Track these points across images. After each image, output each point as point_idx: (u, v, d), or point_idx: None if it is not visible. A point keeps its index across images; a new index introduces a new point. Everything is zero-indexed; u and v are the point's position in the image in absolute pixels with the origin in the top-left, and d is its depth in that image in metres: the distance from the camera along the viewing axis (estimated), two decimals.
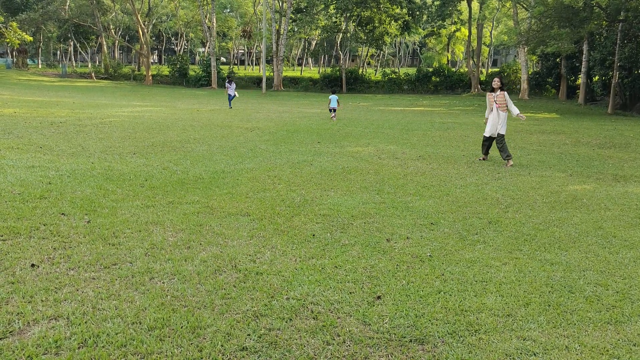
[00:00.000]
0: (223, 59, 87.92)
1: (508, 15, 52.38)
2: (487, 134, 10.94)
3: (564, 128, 19.12)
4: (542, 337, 3.59)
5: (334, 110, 20.29)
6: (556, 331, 3.68)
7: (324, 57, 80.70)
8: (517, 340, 3.53)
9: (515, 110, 10.67)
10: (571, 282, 4.56)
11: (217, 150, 11.32)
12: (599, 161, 11.66)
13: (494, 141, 10.87)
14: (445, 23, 51.74)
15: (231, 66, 62.75)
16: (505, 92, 10.80)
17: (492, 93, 10.89)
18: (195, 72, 54.06)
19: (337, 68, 52.33)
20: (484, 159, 11.12)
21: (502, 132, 10.77)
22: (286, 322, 3.66)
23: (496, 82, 10.86)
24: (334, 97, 20.45)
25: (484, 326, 3.70)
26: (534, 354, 3.37)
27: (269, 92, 45.48)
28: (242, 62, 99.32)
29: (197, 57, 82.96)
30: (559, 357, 3.36)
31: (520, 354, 3.37)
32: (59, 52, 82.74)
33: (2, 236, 5.11)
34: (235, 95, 26.01)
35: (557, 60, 39.21)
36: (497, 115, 10.77)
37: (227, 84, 26.34)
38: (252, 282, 4.31)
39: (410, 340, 3.49)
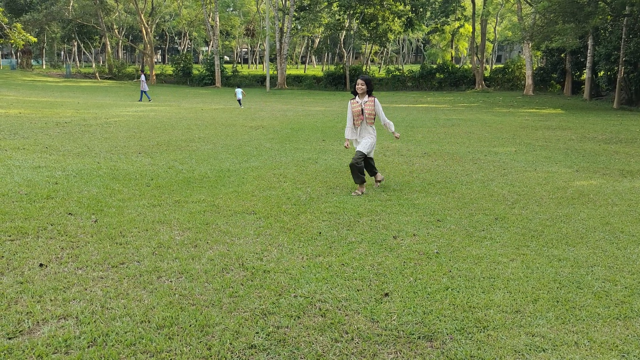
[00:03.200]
0: (226, 58, 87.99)
1: (512, 11, 52.16)
2: (364, 151, 7.66)
3: (569, 124, 19.05)
4: (551, 333, 3.58)
5: (240, 101, 25.38)
6: (565, 327, 3.67)
7: (328, 55, 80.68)
8: (525, 337, 3.52)
9: (390, 125, 7.82)
10: (579, 278, 4.54)
11: (222, 149, 11.33)
12: (605, 156, 11.61)
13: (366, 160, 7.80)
14: (448, 19, 51.56)
15: (234, 65, 62.79)
16: (377, 100, 7.75)
17: (356, 100, 7.72)
18: (199, 71, 54.12)
19: (341, 66, 52.27)
20: (362, 193, 7.55)
21: (364, 149, 7.62)
22: (294, 319, 3.67)
23: (360, 86, 7.61)
24: (238, 90, 25.71)
25: (492, 322, 3.69)
26: (543, 350, 3.36)
27: (273, 90, 45.48)
28: (245, 61, 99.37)
29: (201, 56, 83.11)
30: (568, 353, 3.34)
31: (529, 350, 3.36)
32: (62, 53, 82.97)
33: (10, 236, 5.13)
34: (143, 90, 28.74)
35: (562, 55, 39.05)
36: (366, 129, 7.73)
37: (142, 79, 29.05)
38: (260, 280, 4.31)
39: (419, 337, 3.48)
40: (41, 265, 4.45)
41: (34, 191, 6.91)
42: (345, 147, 7.98)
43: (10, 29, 36.83)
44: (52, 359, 3.09)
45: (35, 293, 3.91)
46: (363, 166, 7.61)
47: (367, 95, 7.70)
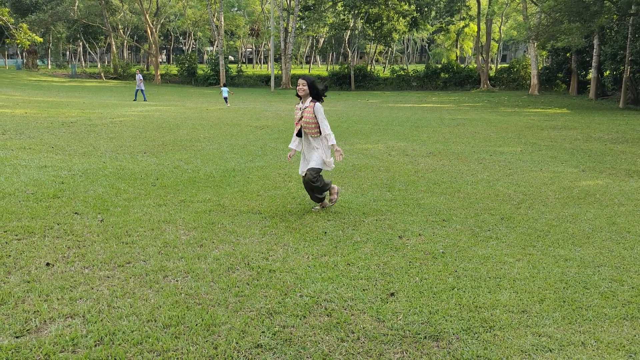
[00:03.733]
0: (231, 58, 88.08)
1: (517, 10, 52.06)
2: (317, 167, 6.29)
3: (575, 123, 18.98)
4: (557, 333, 3.57)
5: (226, 99, 27.25)
6: (572, 327, 3.66)
7: (332, 55, 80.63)
8: (532, 337, 3.51)
9: (330, 136, 6.22)
10: (586, 278, 4.53)
11: (227, 149, 11.35)
12: (611, 156, 11.57)
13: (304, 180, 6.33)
14: (453, 19, 51.48)
15: (239, 65, 62.89)
16: (318, 104, 6.21)
17: (298, 104, 6.44)
18: (203, 71, 54.24)
19: (346, 65, 52.24)
20: (322, 206, 6.62)
21: (316, 164, 6.25)
22: (300, 319, 3.67)
23: (301, 86, 6.26)
24: (224, 89, 27.80)
25: (498, 322, 3.68)
26: (550, 350, 3.35)
27: (278, 90, 45.50)
28: (250, 61, 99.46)
29: (206, 56, 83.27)
30: (575, 353, 3.33)
31: (536, 350, 3.35)
32: (68, 53, 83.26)
33: (17, 235, 5.15)
34: (141, 89, 29.25)
35: (568, 55, 38.92)
36: (307, 141, 6.43)
37: (139, 78, 29.21)
38: (265, 280, 4.32)
39: (425, 337, 3.48)
40: (48, 264, 4.47)
41: (41, 190, 6.93)
42: (288, 158, 6.64)
43: (17, 29, 37.00)
44: (59, 358, 3.10)
45: (42, 292, 3.93)
46: (321, 184, 6.26)
47: (309, 99, 6.25)
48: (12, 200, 6.39)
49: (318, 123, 6.20)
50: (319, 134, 6.27)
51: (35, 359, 3.09)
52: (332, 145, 6.18)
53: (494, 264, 4.81)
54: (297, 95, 6.32)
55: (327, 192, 6.65)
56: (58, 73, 61.28)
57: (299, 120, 6.31)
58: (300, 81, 6.29)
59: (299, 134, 6.44)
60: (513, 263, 4.86)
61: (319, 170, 6.21)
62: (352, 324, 3.62)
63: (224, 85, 30.00)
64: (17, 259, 4.56)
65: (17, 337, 3.31)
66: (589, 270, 4.73)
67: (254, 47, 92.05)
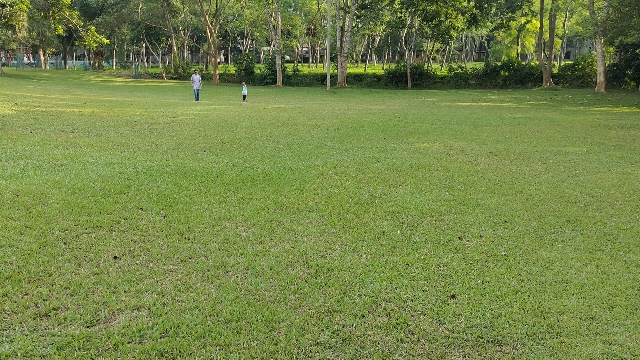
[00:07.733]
0: (287, 57, 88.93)
1: (583, 5, 50.02)
2: None
3: None
4: (629, 341, 3.40)
5: (245, 97, 28.59)
6: None
7: (388, 53, 80.00)
8: (602, 345, 3.36)
9: None
10: None
11: (284, 147, 11.45)
12: None
13: None
14: (515, 15, 49.97)
15: (295, 64, 63.39)
16: None
17: None
18: (260, 70, 54.98)
19: (402, 64, 51.70)
20: None
21: None
22: (359, 318, 3.65)
23: None
24: (245, 87, 29.35)
25: (565, 329, 3.55)
26: (622, 359, 3.20)
27: (333, 89, 45.57)
28: (305, 60, 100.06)
29: (262, 56, 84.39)
30: None
31: (606, 358, 3.21)
32: (131, 54, 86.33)
33: (86, 229, 5.37)
34: (199, 88, 29.63)
35: (637, 51, 37.09)
36: None
37: (196, 78, 29.28)
38: (324, 278, 4.33)
39: (488, 341, 3.39)
40: (115, 257, 4.64)
41: (108, 186, 7.21)
42: None
43: (85, 32, 38.68)
44: (127, 348, 3.22)
45: (111, 284, 4.08)
46: None
47: None
48: (82, 196, 6.67)
49: None
50: None
51: (105, 348, 3.22)
52: None
53: (559, 268, 4.64)
54: None
55: None
56: (122, 73, 63.64)
57: None
58: None
59: None
60: (580, 267, 4.67)
61: None
62: (412, 325, 3.58)
63: (244, 83, 31.59)
64: (87, 251, 4.76)
65: (87, 327, 3.46)
66: None
67: (310, 46, 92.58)
